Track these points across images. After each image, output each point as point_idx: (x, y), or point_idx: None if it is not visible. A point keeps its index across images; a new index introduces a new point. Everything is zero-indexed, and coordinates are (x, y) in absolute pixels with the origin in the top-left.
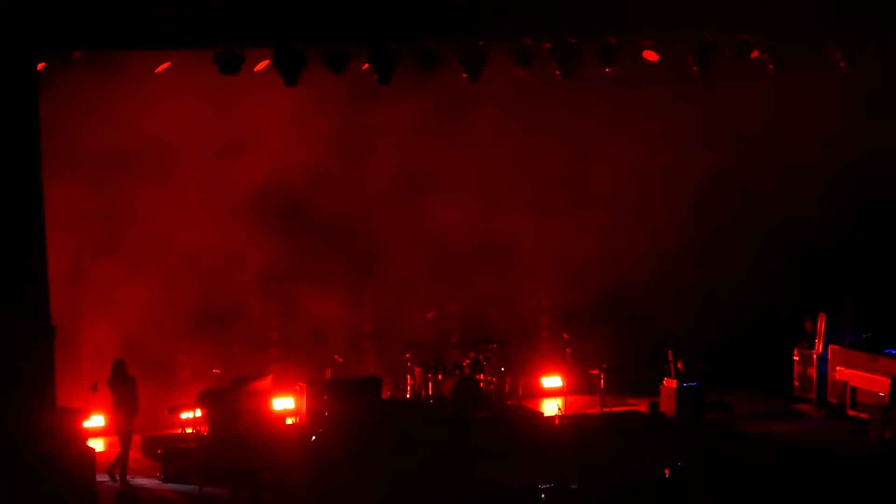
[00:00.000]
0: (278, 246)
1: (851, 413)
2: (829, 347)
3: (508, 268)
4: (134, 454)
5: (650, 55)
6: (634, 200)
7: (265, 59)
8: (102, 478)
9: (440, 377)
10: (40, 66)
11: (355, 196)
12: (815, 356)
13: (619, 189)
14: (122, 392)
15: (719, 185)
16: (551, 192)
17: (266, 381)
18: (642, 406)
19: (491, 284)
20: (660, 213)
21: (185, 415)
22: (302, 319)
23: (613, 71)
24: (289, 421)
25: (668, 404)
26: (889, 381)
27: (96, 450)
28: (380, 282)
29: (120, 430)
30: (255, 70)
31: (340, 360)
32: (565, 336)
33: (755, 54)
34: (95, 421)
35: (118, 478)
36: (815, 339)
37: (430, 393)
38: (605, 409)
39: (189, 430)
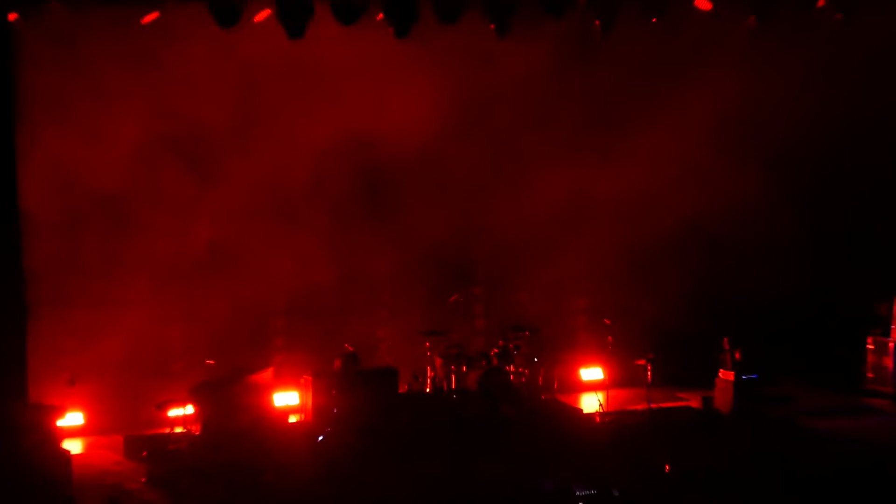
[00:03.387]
0: (281, 222)
1: None
2: None
3: (543, 245)
4: (115, 457)
5: (703, 4)
6: (686, 178)
7: (266, 8)
8: None
9: (464, 369)
10: (12, 16)
11: (369, 167)
12: (891, 345)
13: (671, 161)
14: None
15: (774, 165)
16: (591, 162)
17: (267, 374)
18: (694, 401)
19: (523, 263)
20: (714, 192)
21: (174, 412)
22: (308, 303)
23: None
24: (292, 419)
25: (723, 399)
26: None
27: (72, 451)
28: (396, 261)
29: None
30: (256, 21)
31: (351, 349)
32: (607, 322)
33: (821, 3)
34: (72, 419)
35: None
36: (890, 324)
37: (453, 386)
38: (653, 405)
39: (179, 430)
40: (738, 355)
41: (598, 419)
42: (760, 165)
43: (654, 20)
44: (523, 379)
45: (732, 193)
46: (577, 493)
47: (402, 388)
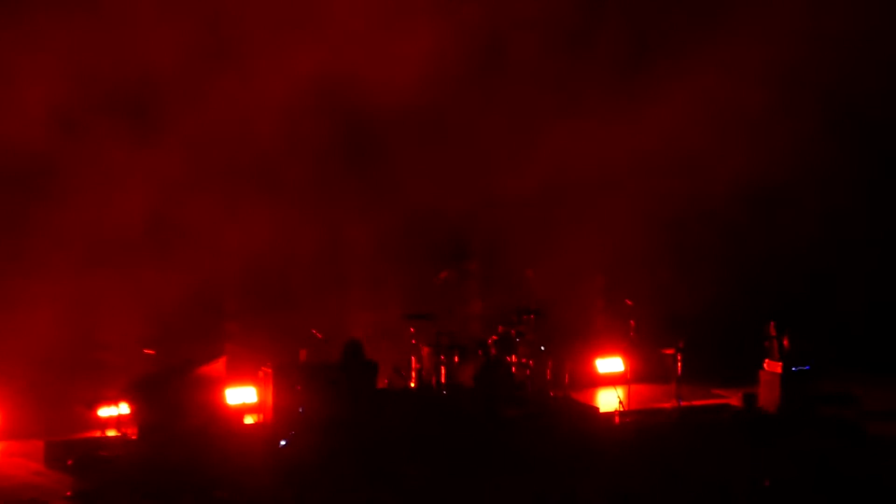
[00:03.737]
0: (239, 185)
1: None
2: None
3: (554, 212)
4: (34, 465)
5: None
6: (730, 133)
7: None
8: None
9: (457, 360)
10: None
11: (350, 120)
12: None
13: (712, 113)
14: None
15: (834, 116)
16: (614, 115)
17: (218, 366)
18: (734, 398)
19: (530, 233)
20: (763, 149)
21: (106, 411)
22: (269, 282)
23: None
24: (249, 420)
25: (769, 395)
26: None
27: None
28: (377, 232)
29: None
30: None
31: (320, 336)
32: (629, 304)
33: None
34: None
35: None
36: None
37: (444, 381)
38: (683, 403)
39: (112, 433)
40: (786, 342)
41: (617, 420)
42: (819, 116)
43: None
44: (528, 372)
45: (785, 151)
46: None
47: (382, 384)
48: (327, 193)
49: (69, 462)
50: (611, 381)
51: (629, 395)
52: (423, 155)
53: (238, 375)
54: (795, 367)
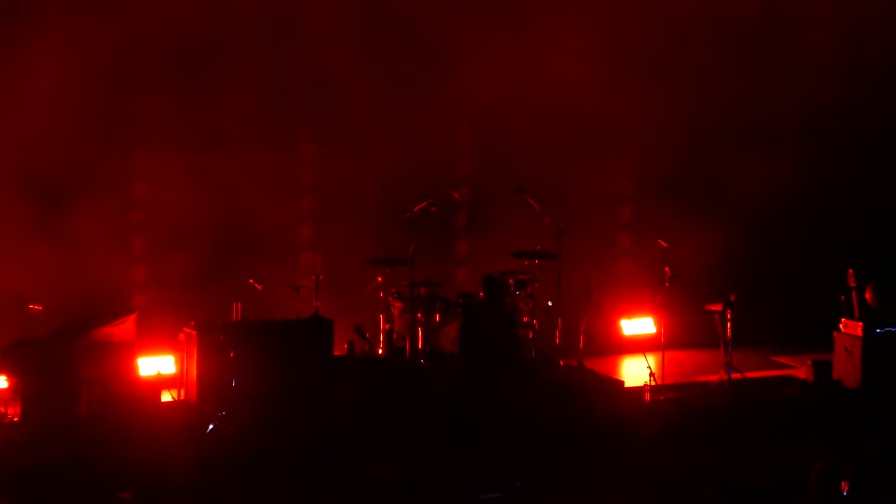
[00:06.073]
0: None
1: None
2: None
3: (562, 116)
4: None
5: None
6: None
7: None
8: None
9: (437, 318)
10: None
11: None
12: None
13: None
14: None
15: None
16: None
17: (125, 326)
18: (801, 369)
19: (531, 147)
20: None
21: None
22: (189, 217)
23: None
24: (166, 396)
25: (846, 364)
26: None
27: None
28: (333, 148)
29: None
30: None
31: (259, 286)
32: (664, 245)
33: None
34: None
35: None
36: None
37: (420, 346)
38: (734, 375)
39: None
40: (869, 296)
41: (647, 397)
42: None
43: None
44: (531, 334)
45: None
46: None
47: (340, 349)
48: (264, 95)
49: None
50: (639, 346)
51: (663, 365)
52: (396, 52)
53: (152, 339)
54: (881, 329)
